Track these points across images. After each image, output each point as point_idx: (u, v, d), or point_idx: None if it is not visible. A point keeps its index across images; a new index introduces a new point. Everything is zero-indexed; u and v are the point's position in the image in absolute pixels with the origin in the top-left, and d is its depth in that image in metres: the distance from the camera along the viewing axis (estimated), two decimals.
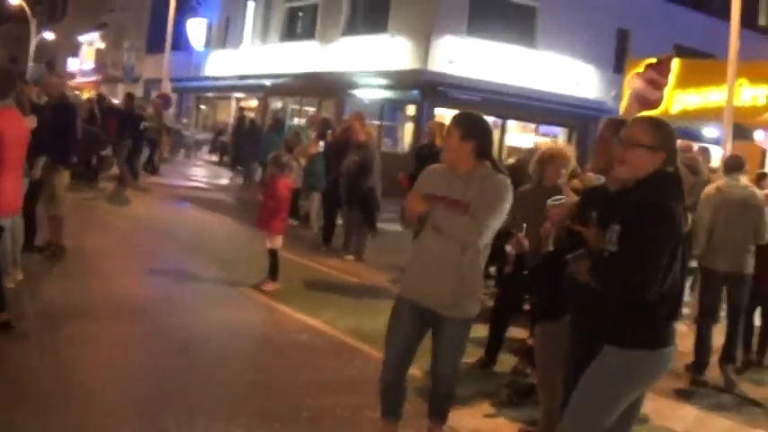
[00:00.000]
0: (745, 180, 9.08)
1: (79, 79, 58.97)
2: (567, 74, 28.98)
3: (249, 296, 10.68)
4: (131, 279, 11.16)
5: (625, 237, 4.19)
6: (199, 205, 20.13)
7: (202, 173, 30.47)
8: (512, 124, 30.45)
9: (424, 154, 12.38)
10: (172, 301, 10.05)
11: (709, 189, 9.04)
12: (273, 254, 11.10)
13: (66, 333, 7.94)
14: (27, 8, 55.08)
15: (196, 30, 42.86)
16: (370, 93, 29.71)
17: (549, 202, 5.34)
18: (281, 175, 11.10)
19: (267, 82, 34.48)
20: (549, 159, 7.45)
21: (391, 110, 30.36)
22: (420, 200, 5.48)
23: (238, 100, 40.38)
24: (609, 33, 29.49)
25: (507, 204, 5.42)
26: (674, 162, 4.38)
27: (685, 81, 17.20)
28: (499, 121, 28.58)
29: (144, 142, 23.39)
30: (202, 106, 45.81)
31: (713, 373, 8.85)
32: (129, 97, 22.81)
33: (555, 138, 29.40)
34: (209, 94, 43.74)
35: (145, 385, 6.88)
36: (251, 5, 38.25)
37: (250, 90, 37.51)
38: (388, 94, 29.36)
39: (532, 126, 30.97)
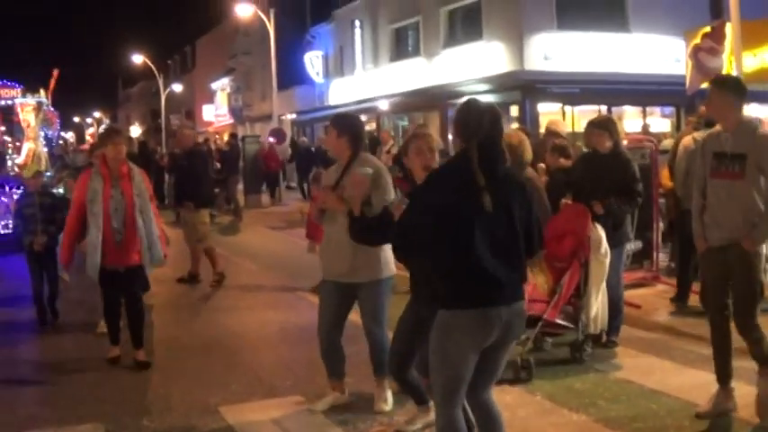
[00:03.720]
0: None
1: (216, 124, 61.75)
2: (665, 52, 28.80)
3: (303, 297, 12.03)
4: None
5: None
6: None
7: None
8: (629, 111, 30.52)
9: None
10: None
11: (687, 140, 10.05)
12: None
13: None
14: (152, 64, 58.20)
15: (314, 63, 44.57)
16: None
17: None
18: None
19: (381, 103, 35.62)
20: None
21: None
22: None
23: None
24: (701, 2, 28.96)
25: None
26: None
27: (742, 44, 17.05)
28: (605, 109, 28.74)
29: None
30: None
31: None
32: (233, 137, 24.45)
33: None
34: None
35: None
36: (358, 32, 39.56)
37: (368, 112, 38.73)
38: (490, 98, 29.95)
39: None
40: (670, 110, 31.14)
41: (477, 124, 4.81)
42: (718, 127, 6.89)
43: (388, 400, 6.97)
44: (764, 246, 6.80)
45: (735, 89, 6.73)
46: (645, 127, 18.64)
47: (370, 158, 6.92)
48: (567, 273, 8.33)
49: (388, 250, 6.66)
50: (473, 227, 4.65)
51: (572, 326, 8.44)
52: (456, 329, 4.72)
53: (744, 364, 6.84)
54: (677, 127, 29.82)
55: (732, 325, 6.71)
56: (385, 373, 6.95)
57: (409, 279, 6.15)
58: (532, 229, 4.91)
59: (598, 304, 8.48)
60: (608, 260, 8.46)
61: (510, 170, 5.05)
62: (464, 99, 4.99)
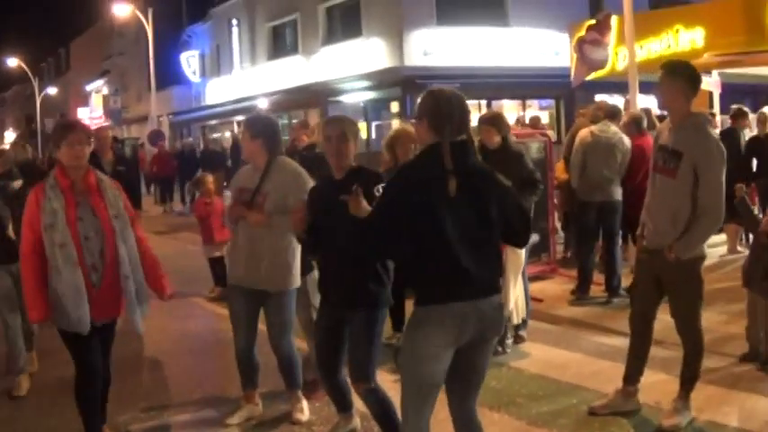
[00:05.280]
0: (614, 127, 10.08)
1: (92, 127, 60.07)
2: (544, 45, 29.20)
3: (198, 304, 11.94)
4: None
5: None
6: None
7: None
8: (507, 104, 30.73)
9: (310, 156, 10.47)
10: None
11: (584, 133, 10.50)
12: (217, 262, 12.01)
13: None
14: (26, 67, 56.80)
15: (190, 62, 43.92)
16: (354, 96, 30.46)
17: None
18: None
19: (260, 101, 35.27)
20: (396, 140, 8.18)
21: (376, 110, 30.99)
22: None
23: (239, 123, 41.09)
24: None
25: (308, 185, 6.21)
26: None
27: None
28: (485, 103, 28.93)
29: None
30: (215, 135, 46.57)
31: None
32: (115, 140, 23.77)
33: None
34: (213, 122, 44.59)
35: None
36: (235, 31, 39.14)
37: (247, 111, 38.23)
38: (371, 95, 30.05)
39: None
40: (548, 102, 31.62)
41: (448, 114, 4.48)
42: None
43: (305, 410, 6.72)
44: (705, 246, 6.27)
45: (688, 77, 6.00)
46: (534, 120, 18.81)
47: (288, 162, 6.61)
48: None
49: (298, 260, 6.46)
50: (439, 215, 4.39)
51: None
52: (427, 324, 4.45)
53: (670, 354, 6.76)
54: (557, 119, 30.37)
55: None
56: (298, 385, 6.73)
57: (319, 281, 5.92)
58: (513, 221, 4.62)
59: (516, 294, 8.47)
60: (524, 250, 8.44)
61: (482, 163, 4.71)
62: (431, 88, 4.63)
